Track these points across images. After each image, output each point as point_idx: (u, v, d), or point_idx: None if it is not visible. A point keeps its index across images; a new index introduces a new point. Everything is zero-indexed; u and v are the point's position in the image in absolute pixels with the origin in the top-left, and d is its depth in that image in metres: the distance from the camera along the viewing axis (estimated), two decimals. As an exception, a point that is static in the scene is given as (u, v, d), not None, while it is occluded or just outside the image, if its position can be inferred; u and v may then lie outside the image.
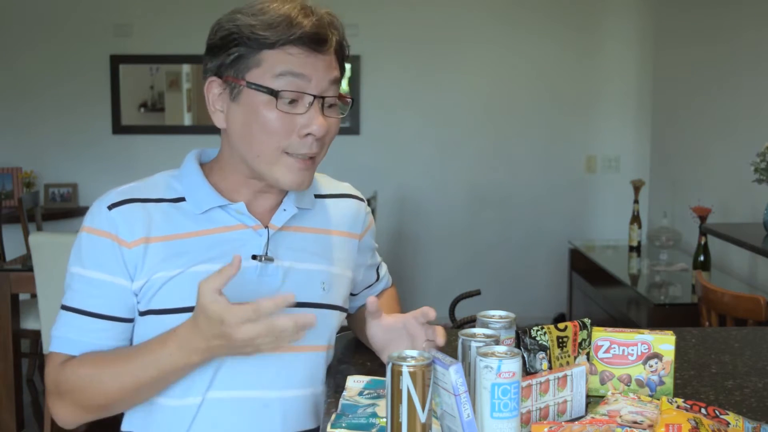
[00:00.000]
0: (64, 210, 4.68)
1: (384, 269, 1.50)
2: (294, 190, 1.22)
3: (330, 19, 1.17)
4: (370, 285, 1.45)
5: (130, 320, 1.19)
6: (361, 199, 1.40)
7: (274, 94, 1.12)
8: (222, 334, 1.01)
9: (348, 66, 1.26)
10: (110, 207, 1.18)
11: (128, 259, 1.16)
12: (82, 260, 1.17)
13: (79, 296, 1.17)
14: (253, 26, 1.12)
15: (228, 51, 1.15)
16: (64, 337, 1.17)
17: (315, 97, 1.14)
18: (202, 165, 1.27)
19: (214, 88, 1.19)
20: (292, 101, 1.13)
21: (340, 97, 1.19)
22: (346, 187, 1.39)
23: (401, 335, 1.20)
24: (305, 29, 1.11)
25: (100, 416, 1.19)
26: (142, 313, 1.17)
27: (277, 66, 1.12)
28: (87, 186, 4.77)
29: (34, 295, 3.30)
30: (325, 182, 1.37)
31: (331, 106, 1.18)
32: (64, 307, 1.19)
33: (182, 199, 1.21)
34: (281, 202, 1.26)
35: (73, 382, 1.14)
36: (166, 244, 1.17)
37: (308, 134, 1.14)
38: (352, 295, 1.40)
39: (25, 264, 2.99)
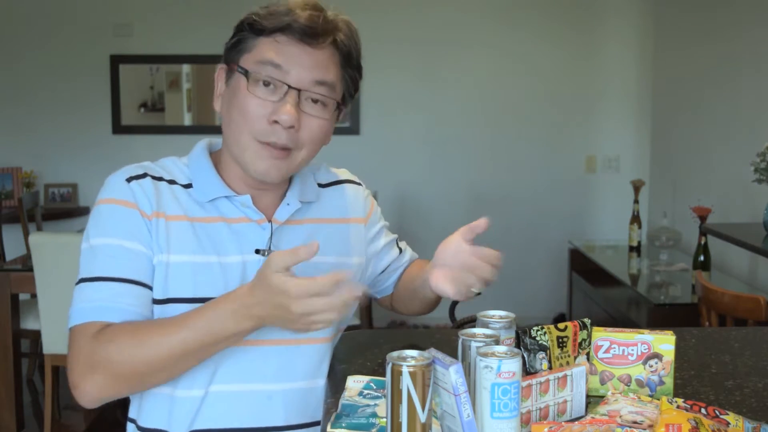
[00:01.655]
0: (64, 210, 4.69)
1: (404, 243, 1.49)
2: (262, 179, 1.19)
3: (336, 22, 1.17)
4: (394, 259, 1.44)
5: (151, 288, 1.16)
6: (359, 183, 1.41)
7: (246, 74, 1.14)
8: (281, 305, 1.00)
9: (353, 75, 1.26)
10: (129, 180, 1.18)
11: (151, 229, 1.16)
12: (105, 230, 1.15)
13: (104, 265, 1.13)
14: (258, 14, 1.15)
15: (233, 38, 1.19)
16: (92, 306, 1.11)
17: (290, 87, 1.14)
18: (210, 155, 1.27)
19: (221, 75, 1.22)
20: (268, 85, 1.14)
21: (326, 96, 1.17)
22: (342, 173, 1.40)
23: (459, 263, 1.19)
24: (299, 20, 1.13)
25: (133, 390, 1.15)
26: None
27: (263, 52, 1.15)
28: (87, 186, 4.78)
29: (34, 295, 3.30)
30: (323, 172, 1.37)
31: (314, 102, 1.17)
32: (86, 279, 1.13)
33: (190, 186, 1.22)
34: (284, 196, 1.26)
35: (112, 351, 1.08)
36: (173, 223, 1.17)
37: (275, 122, 1.14)
38: (380, 273, 1.41)
39: (25, 264, 2.99)
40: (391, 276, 1.44)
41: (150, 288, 1.15)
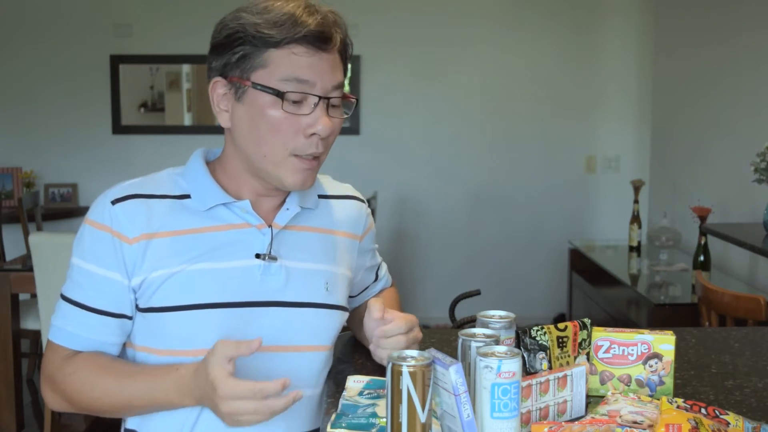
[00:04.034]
0: (64, 210, 4.69)
1: (384, 269, 1.50)
2: (297, 190, 1.22)
3: (334, 18, 1.17)
4: (367, 286, 1.45)
5: (126, 317, 1.19)
6: (362, 201, 1.41)
7: (280, 95, 1.12)
8: (211, 398, 1.03)
9: (348, 66, 1.25)
10: (114, 202, 1.18)
11: (127, 255, 1.16)
12: (83, 252, 1.18)
13: (78, 288, 1.18)
14: (257, 24, 1.12)
15: (233, 50, 1.14)
16: (64, 329, 1.18)
17: (320, 98, 1.14)
18: (207, 164, 1.26)
19: (218, 89, 1.18)
20: (296, 102, 1.14)
21: (345, 97, 1.20)
22: (347, 188, 1.40)
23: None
24: (310, 27, 1.11)
25: (89, 414, 1.23)
26: (143, 310, 1.17)
27: (282, 68, 1.12)
28: (87, 186, 4.78)
29: (34, 295, 3.30)
30: (327, 183, 1.37)
31: (334, 106, 1.18)
32: (63, 297, 1.20)
33: (187, 196, 1.21)
34: (284, 201, 1.26)
35: (69, 384, 1.16)
36: (167, 240, 1.17)
37: (313, 134, 1.15)
38: (350, 297, 1.40)
39: (25, 264, 2.99)
40: (355, 300, 1.44)
41: (117, 316, 1.18)
